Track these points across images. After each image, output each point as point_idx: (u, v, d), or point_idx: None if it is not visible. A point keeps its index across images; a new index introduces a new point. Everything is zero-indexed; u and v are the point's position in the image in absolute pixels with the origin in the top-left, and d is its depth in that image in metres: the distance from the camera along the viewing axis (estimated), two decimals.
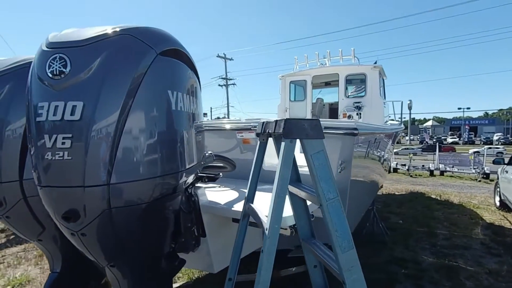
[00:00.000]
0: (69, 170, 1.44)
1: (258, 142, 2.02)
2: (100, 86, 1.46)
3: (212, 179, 2.63)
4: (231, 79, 30.96)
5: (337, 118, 7.85)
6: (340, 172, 2.93)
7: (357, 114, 7.52)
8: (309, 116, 8.18)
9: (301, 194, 1.82)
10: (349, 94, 8.34)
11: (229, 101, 30.83)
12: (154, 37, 1.73)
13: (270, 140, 2.75)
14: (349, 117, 7.52)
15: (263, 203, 2.15)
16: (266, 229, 1.48)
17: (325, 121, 2.93)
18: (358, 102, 7.70)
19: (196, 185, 2.66)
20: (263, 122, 1.98)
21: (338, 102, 8.28)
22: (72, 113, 1.42)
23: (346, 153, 2.94)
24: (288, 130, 1.52)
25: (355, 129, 2.79)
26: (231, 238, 2.72)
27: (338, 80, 8.18)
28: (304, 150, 1.55)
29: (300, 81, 8.55)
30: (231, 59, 31.00)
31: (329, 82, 9.61)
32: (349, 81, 8.33)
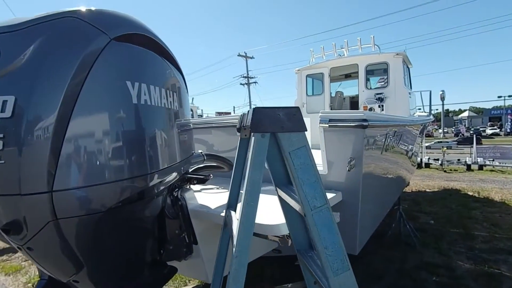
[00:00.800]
0: (2, 176, 1.24)
1: (239, 139, 1.72)
2: (35, 77, 1.24)
3: (201, 181, 2.37)
4: (252, 78, 30.85)
5: None
6: (349, 170, 2.55)
7: (379, 106, 6.95)
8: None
9: (289, 200, 1.50)
10: (371, 85, 7.77)
11: (251, 99, 30.66)
12: (108, 20, 1.49)
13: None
14: (370, 109, 6.96)
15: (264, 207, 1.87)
16: (234, 247, 1.18)
17: (330, 113, 2.57)
18: (380, 94, 7.12)
19: (185, 187, 2.42)
20: (242, 114, 1.68)
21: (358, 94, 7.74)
22: (2, 110, 1.21)
23: (355, 148, 2.56)
24: (258, 122, 1.20)
25: (365, 120, 2.40)
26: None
27: (358, 72, 7.63)
28: (281, 146, 1.24)
29: (317, 74, 8.09)
30: (252, 58, 30.83)
31: (350, 74, 9.05)
32: (370, 71, 7.75)
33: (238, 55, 29.48)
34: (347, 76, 9.37)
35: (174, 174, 2.02)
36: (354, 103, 8.49)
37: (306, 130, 1.25)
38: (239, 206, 1.23)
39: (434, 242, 5.43)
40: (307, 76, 8.16)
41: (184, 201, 2.38)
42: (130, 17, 1.63)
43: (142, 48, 1.66)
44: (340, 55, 8.05)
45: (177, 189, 2.27)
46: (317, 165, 3.13)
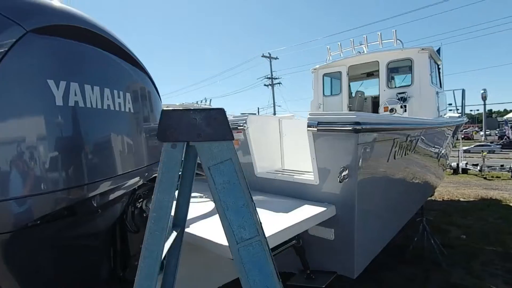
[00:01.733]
0: None
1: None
2: None
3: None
4: (276, 78, 30.42)
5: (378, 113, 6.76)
6: (340, 181, 2.19)
7: (401, 106, 6.34)
8: None
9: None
10: (395, 84, 7.16)
11: (275, 100, 30.27)
12: (26, 9, 1.29)
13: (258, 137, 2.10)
14: (391, 110, 6.38)
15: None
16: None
17: (319, 115, 2.23)
18: (403, 93, 6.50)
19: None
20: None
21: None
22: None
23: (348, 156, 2.19)
24: (166, 128, 0.92)
25: (357, 123, 2.04)
26: (199, 263, 2.21)
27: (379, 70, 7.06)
28: (200, 159, 0.95)
29: (335, 73, 7.60)
30: (276, 58, 30.47)
31: (372, 73, 8.45)
32: (393, 69, 7.14)
33: (262, 56, 29.34)
34: (369, 75, 8.77)
35: (131, 182, 1.80)
36: (376, 104, 7.90)
37: (233, 139, 0.95)
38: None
39: (464, 260, 4.79)
40: (324, 75, 7.71)
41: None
42: (59, 6, 1.43)
43: (76, 42, 1.45)
44: (359, 52, 7.51)
45: (141, 199, 2.06)
46: (307, 174, 2.73)
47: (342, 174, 2.20)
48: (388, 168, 2.82)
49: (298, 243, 2.57)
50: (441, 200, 8.81)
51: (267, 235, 1.83)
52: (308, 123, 2.23)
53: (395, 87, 7.18)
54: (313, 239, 2.59)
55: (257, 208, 2.60)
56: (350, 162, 2.18)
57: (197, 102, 17.13)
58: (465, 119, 8.69)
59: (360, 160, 2.19)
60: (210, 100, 17.80)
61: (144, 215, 2.08)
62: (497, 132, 54.83)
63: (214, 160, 0.94)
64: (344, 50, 7.66)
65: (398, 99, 6.58)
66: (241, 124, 2.68)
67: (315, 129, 2.19)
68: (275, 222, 2.07)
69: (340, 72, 7.42)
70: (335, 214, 2.38)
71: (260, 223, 0.95)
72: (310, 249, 2.65)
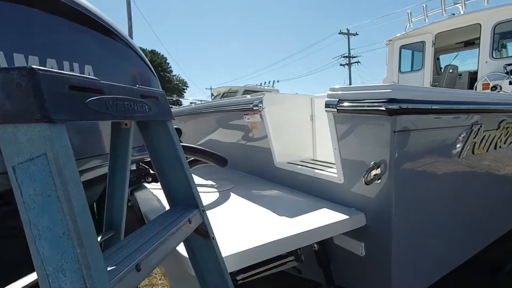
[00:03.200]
0: None
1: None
2: None
3: (156, 180, 1.88)
4: (354, 57, 27.45)
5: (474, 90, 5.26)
6: (367, 184, 1.56)
7: (510, 82, 4.77)
8: None
9: None
10: (507, 53, 5.42)
11: (351, 81, 27.54)
12: None
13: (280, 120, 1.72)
14: (494, 88, 4.85)
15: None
16: None
17: (342, 90, 1.62)
18: None
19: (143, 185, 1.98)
20: None
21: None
22: None
23: (380, 149, 1.53)
24: None
25: (393, 101, 1.37)
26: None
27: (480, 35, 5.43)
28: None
29: (416, 44, 6.19)
30: (355, 34, 27.38)
31: (472, 41, 6.66)
32: (503, 34, 5.40)
33: (339, 33, 26.73)
34: (468, 44, 6.95)
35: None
36: (475, 81, 6.23)
37: (52, 119, 0.56)
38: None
39: None
40: (402, 47, 6.37)
41: (136, 203, 1.94)
42: None
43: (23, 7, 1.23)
44: (452, 14, 5.91)
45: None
46: (330, 169, 2.15)
47: (372, 174, 1.56)
48: (460, 166, 1.98)
49: (321, 251, 2.06)
50: None
51: (261, 242, 1.43)
52: (326, 101, 1.64)
53: (505, 57, 5.45)
54: (340, 250, 2.03)
55: (264, 205, 2.12)
56: (383, 157, 1.53)
57: (261, 84, 16.73)
58: None
59: (398, 154, 1.51)
60: (274, 82, 17.14)
61: None
62: None
63: (21, 155, 0.56)
64: (431, 13, 6.14)
65: (507, 73, 4.97)
66: (257, 104, 2.22)
67: (335, 109, 1.59)
68: (275, 226, 1.62)
69: (423, 42, 5.99)
70: (364, 224, 1.77)
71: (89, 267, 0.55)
72: (336, 261, 2.10)
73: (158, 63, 39.97)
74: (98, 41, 1.45)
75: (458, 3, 5.81)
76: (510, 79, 4.84)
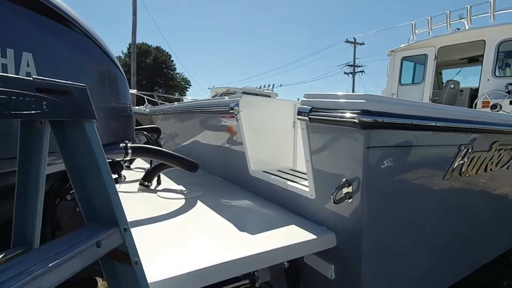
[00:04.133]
0: None
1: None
2: None
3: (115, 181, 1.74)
4: (359, 66, 27.28)
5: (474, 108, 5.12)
6: (336, 203, 1.42)
7: (511, 102, 4.63)
8: None
9: None
10: (502, 72, 5.27)
11: (354, 90, 27.33)
12: None
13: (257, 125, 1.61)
14: (494, 107, 4.70)
15: None
16: None
17: (315, 97, 1.48)
18: None
19: None
20: None
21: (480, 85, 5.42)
22: None
23: (352, 165, 1.40)
24: None
25: (367, 113, 1.23)
26: None
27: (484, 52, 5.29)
28: None
29: (418, 57, 6.06)
30: (361, 44, 27.29)
31: (477, 57, 6.52)
32: (506, 53, 5.26)
33: (345, 41, 26.61)
34: (472, 61, 6.82)
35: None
36: (475, 98, 6.09)
37: None
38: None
39: None
40: (404, 58, 6.24)
41: None
42: None
43: None
44: (457, 29, 5.77)
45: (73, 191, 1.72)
46: (305, 181, 1.99)
47: (343, 192, 1.42)
48: (444, 188, 1.83)
49: (291, 270, 1.91)
50: None
51: (210, 263, 1.27)
52: (298, 108, 1.50)
53: (508, 75, 5.31)
54: (311, 270, 1.88)
55: (230, 217, 1.96)
56: (356, 175, 1.39)
57: (260, 87, 16.53)
58: None
59: (371, 173, 1.37)
60: (273, 85, 16.90)
61: (78, 209, 1.75)
62: None
63: None
64: (436, 26, 6.01)
65: (508, 92, 4.83)
66: (232, 107, 2.08)
67: (307, 118, 1.45)
68: (234, 243, 1.48)
69: (425, 55, 5.86)
70: (335, 246, 1.62)
71: None
72: (306, 281, 1.95)
73: (163, 60, 39.88)
74: (46, 28, 1.32)
75: (463, 18, 5.68)
76: (511, 99, 4.70)
